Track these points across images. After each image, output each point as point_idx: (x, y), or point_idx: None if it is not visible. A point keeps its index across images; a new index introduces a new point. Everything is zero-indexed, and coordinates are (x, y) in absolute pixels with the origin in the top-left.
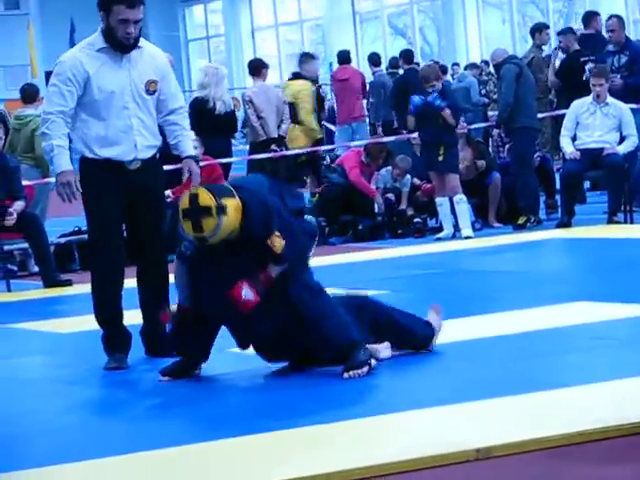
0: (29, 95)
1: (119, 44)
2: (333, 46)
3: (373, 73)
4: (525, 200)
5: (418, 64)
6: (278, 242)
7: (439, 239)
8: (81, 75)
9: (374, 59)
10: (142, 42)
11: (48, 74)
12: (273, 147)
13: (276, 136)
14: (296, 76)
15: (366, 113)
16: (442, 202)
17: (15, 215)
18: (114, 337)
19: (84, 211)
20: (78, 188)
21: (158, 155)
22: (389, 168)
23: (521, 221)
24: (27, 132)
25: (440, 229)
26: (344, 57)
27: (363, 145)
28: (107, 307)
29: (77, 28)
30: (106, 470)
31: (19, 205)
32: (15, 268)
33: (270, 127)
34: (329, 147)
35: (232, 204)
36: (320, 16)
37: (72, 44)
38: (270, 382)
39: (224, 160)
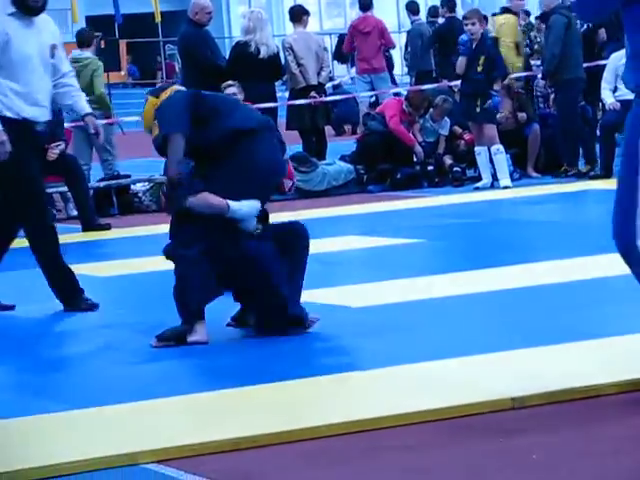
0: (86, 38)
1: (28, 8)
2: None
3: (412, 22)
4: (569, 150)
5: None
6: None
7: (477, 188)
8: (2, 37)
9: (412, 7)
10: None
11: (88, 19)
12: (312, 94)
13: (315, 83)
14: (505, 10)
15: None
16: (480, 151)
17: (57, 150)
18: None
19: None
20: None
21: None
22: (430, 111)
23: (565, 170)
24: (87, 74)
25: (479, 179)
26: (365, 4)
27: (405, 94)
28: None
29: None
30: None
31: (59, 147)
32: (54, 211)
33: (310, 74)
34: (367, 94)
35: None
36: None
37: None
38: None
39: (264, 105)
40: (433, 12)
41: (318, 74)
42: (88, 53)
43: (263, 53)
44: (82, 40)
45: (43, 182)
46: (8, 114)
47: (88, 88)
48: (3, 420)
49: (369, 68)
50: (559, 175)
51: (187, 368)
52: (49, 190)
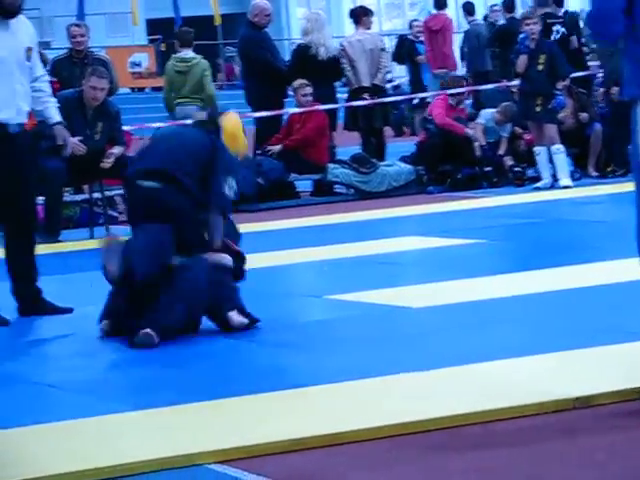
0: (187, 39)
1: (5, 11)
2: None
3: (468, 22)
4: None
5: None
6: None
7: (537, 188)
8: None
9: (468, 7)
10: None
11: (148, 22)
12: (365, 96)
13: (368, 85)
14: None
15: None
16: (540, 151)
17: (112, 158)
18: None
19: None
20: None
21: None
22: (492, 110)
23: (612, 170)
24: (196, 73)
25: (539, 178)
26: (440, 2)
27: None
28: None
29: None
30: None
31: (118, 149)
32: (116, 214)
33: (361, 76)
34: (421, 95)
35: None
36: None
37: None
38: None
39: (325, 107)
40: (492, 12)
41: (374, 76)
42: (191, 53)
43: (322, 54)
44: (184, 40)
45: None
46: None
47: (197, 88)
48: (74, 421)
49: (441, 65)
50: (606, 175)
51: (241, 368)
52: (110, 193)
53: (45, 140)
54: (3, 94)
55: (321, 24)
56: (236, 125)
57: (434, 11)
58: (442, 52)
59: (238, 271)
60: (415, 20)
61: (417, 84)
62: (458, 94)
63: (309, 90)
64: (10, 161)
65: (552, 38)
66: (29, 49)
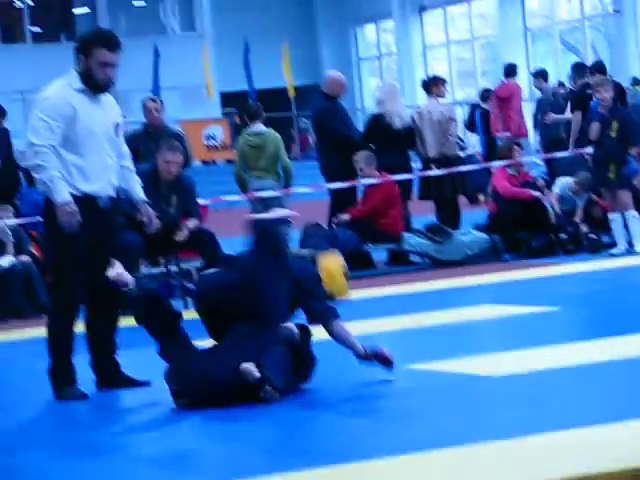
0: (255, 112)
1: (97, 86)
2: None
3: (540, 89)
4: None
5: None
6: None
7: (612, 255)
8: (68, 112)
9: (541, 75)
10: None
11: (223, 95)
12: (432, 166)
13: (436, 155)
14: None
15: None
16: (614, 218)
17: (187, 231)
18: (69, 369)
19: (51, 244)
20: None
21: None
22: (568, 179)
23: None
24: (270, 146)
25: (614, 245)
26: (509, 71)
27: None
28: (68, 339)
29: (251, 49)
30: None
31: (193, 223)
32: (191, 286)
33: (428, 146)
34: (488, 165)
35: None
36: (492, 34)
37: (246, 65)
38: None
39: (398, 177)
40: (564, 79)
41: (443, 145)
42: (263, 126)
43: (397, 124)
44: (252, 114)
45: (87, 264)
46: (71, 190)
47: (272, 160)
48: None
49: (505, 128)
50: None
51: (323, 439)
52: (185, 265)
53: (121, 215)
54: (95, 167)
55: (395, 94)
56: (335, 266)
57: (504, 79)
58: (508, 115)
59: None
60: (487, 90)
61: (491, 152)
62: (515, 162)
63: (364, 162)
64: (100, 234)
65: None
66: (117, 125)
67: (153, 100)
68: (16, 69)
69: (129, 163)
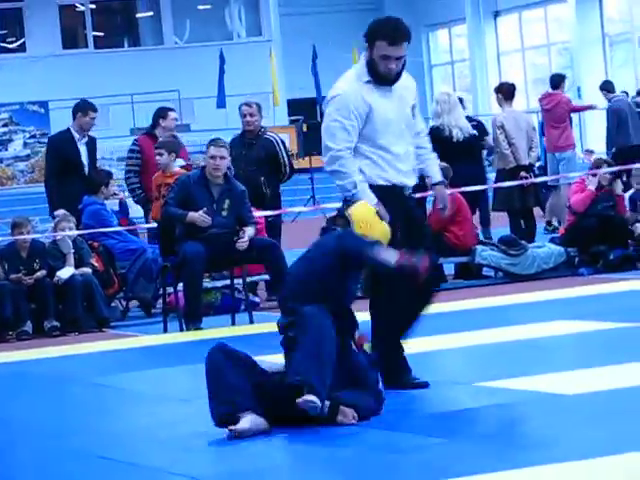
0: None
1: (380, 78)
2: (581, 70)
3: (608, 100)
4: None
5: None
6: None
7: None
8: (363, 108)
9: (607, 86)
10: None
11: (289, 102)
12: (522, 174)
13: (526, 163)
14: None
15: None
16: None
17: (247, 238)
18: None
19: None
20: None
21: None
22: None
23: None
24: None
25: None
26: (554, 82)
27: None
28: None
29: (319, 54)
30: None
31: (250, 231)
32: (257, 300)
33: (520, 154)
34: (546, 178)
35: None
36: (568, 39)
37: (314, 71)
38: None
39: (470, 188)
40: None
41: (527, 154)
42: None
43: (457, 136)
44: None
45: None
46: (380, 182)
47: None
48: None
49: (551, 147)
50: None
51: (393, 460)
52: (251, 278)
53: (181, 225)
54: (398, 156)
55: (451, 105)
56: (368, 213)
57: (550, 90)
58: (551, 127)
59: None
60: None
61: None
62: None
63: None
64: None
65: None
66: (414, 106)
67: (248, 105)
68: (78, 75)
69: (425, 141)
